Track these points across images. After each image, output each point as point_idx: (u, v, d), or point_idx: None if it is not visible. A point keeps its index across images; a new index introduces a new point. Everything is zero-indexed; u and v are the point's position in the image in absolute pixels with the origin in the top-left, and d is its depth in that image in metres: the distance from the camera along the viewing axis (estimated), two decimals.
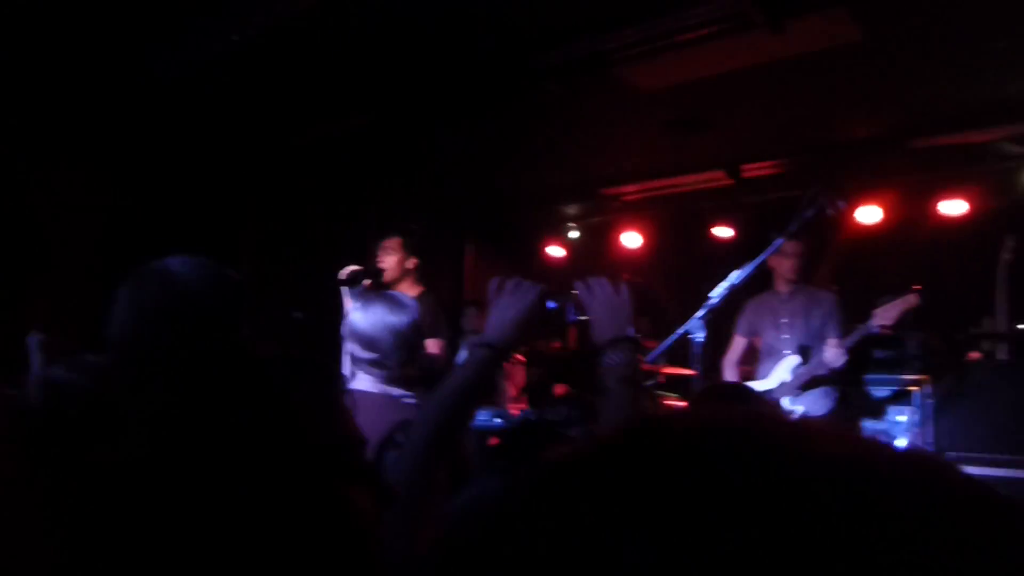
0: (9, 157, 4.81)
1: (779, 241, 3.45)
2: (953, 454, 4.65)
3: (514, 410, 4.60)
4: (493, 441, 4.21)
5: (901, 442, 4.68)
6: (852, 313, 4.79)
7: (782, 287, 4.88)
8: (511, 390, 6.52)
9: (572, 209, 8.41)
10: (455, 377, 1.65)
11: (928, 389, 4.89)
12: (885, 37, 4.36)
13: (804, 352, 4.70)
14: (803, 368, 4.64)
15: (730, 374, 4.99)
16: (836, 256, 6.45)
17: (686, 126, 5.80)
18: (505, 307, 1.69)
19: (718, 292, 3.28)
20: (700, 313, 3.17)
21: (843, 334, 4.60)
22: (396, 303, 2.40)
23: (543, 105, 5.35)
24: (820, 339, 4.63)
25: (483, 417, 4.12)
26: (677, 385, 6.88)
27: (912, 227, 6.48)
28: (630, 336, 1.66)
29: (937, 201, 6.32)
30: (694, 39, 4.35)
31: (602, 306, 1.70)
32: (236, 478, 0.65)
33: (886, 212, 6.20)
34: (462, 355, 5.23)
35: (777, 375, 4.74)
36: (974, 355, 5.57)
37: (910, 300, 4.35)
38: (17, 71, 4.54)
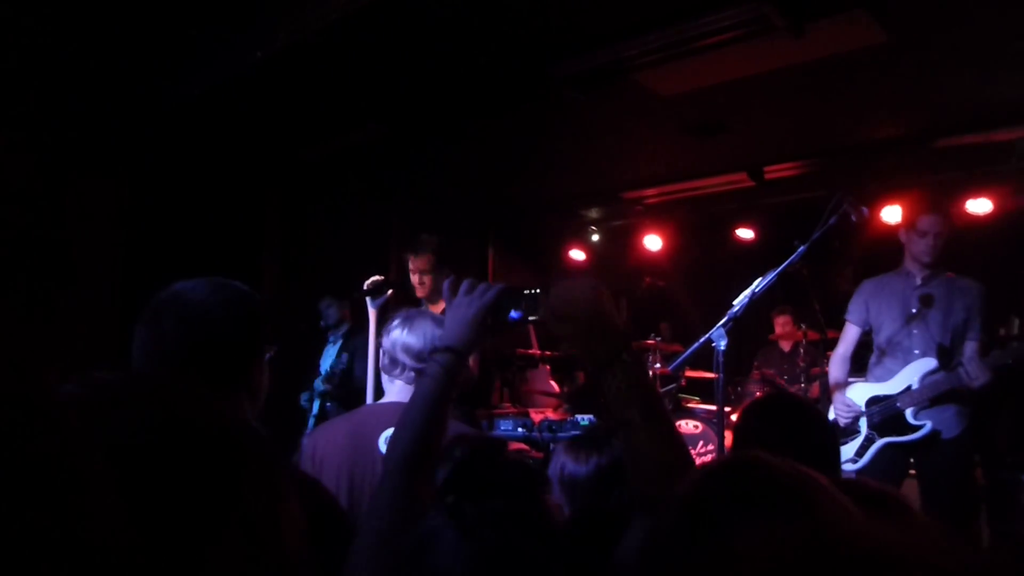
0: (37, 172, 4.89)
1: (802, 249, 3.36)
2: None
3: (537, 416, 4.61)
4: (516, 446, 4.24)
5: None
6: None
7: (914, 270, 4.00)
8: (540, 396, 6.54)
9: (594, 213, 8.42)
10: (421, 389, 1.59)
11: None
12: (907, 38, 4.34)
13: (943, 355, 3.84)
14: (940, 376, 3.79)
15: (838, 371, 4.16)
16: (859, 257, 6.41)
17: (707, 129, 5.79)
18: (462, 307, 1.65)
19: (740, 301, 3.25)
20: (722, 322, 3.16)
21: (986, 334, 3.89)
22: (439, 320, 2.43)
23: (564, 111, 5.37)
24: (960, 338, 3.85)
25: (506, 426, 4.13)
26: (700, 389, 6.88)
27: None
28: (626, 345, 1.36)
29: (962, 201, 6.27)
30: (715, 44, 4.34)
31: (568, 315, 1.39)
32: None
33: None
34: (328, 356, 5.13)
35: (902, 379, 3.91)
36: None
37: None
38: (46, 88, 4.62)
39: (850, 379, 4.16)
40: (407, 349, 2.38)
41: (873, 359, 4.14)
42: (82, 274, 5.11)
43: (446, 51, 4.51)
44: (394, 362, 2.40)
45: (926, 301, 3.90)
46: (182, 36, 4.37)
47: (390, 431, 2.22)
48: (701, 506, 0.74)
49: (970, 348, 3.84)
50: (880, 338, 4.06)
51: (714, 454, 4.79)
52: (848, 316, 4.21)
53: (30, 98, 4.60)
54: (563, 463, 2.20)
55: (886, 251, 4.76)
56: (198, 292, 1.54)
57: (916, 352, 3.89)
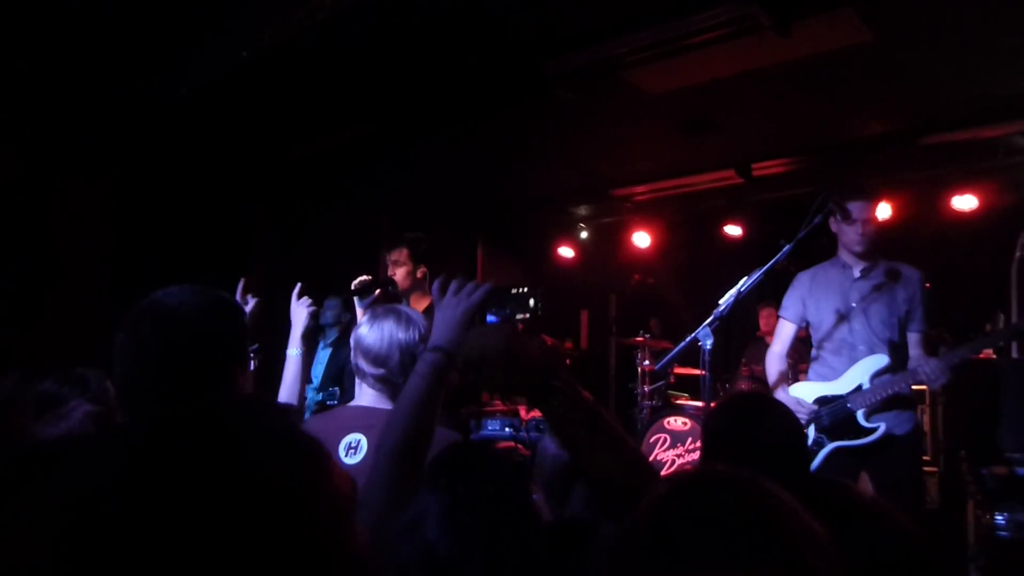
0: (25, 172, 4.87)
1: (787, 247, 3.36)
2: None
3: (526, 414, 4.62)
4: (505, 445, 4.25)
5: None
6: None
7: (850, 261, 3.75)
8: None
9: (583, 210, 8.43)
10: (411, 386, 1.62)
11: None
12: (894, 36, 4.36)
13: (892, 350, 3.59)
14: (889, 378, 3.54)
15: (776, 369, 3.87)
16: None
17: (696, 127, 5.81)
18: (450, 307, 1.67)
19: (726, 300, 3.25)
20: (708, 321, 3.16)
21: (931, 324, 3.67)
22: (405, 318, 2.38)
23: (554, 108, 5.37)
24: (904, 331, 3.63)
25: (494, 425, 4.13)
26: (688, 385, 6.91)
27: (923, 223, 6.47)
28: (553, 373, 1.34)
29: (948, 197, 6.31)
30: (703, 42, 4.36)
31: (482, 362, 1.34)
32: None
33: (897, 209, 6.18)
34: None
35: (850, 377, 3.63)
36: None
37: None
38: (35, 88, 4.60)
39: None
40: (365, 350, 2.31)
41: (814, 356, 3.87)
42: (70, 274, 5.09)
43: (435, 49, 4.51)
44: (357, 365, 2.36)
45: (864, 294, 3.69)
46: (169, 36, 4.35)
47: (350, 437, 2.20)
48: (664, 527, 0.74)
49: (913, 340, 3.64)
50: (819, 334, 3.80)
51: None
52: (782, 312, 3.96)
53: (17, 97, 4.58)
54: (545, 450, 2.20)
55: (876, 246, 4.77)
56: (177, 298, 1.53)
57: (861, 348, 3.63)
